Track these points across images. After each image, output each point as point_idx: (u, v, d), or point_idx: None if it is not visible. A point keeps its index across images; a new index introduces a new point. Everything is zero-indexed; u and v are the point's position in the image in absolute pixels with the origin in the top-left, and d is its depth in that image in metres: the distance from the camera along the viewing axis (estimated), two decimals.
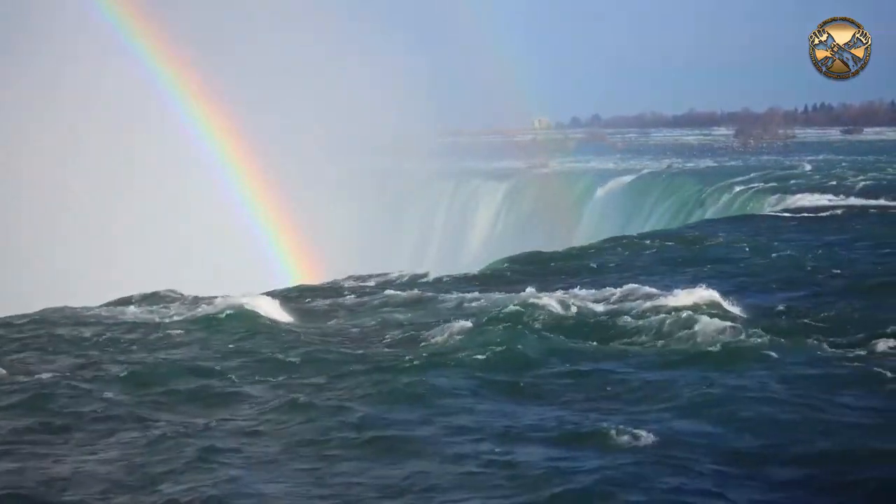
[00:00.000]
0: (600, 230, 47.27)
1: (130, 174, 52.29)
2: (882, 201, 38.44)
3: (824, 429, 11.59)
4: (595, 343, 16.20)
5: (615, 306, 18.31)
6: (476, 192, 65.05)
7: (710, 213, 46.52)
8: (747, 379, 13.65)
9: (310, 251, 49.10)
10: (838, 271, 22.74)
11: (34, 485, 10.48)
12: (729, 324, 16.37)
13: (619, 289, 19.53)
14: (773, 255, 25.51)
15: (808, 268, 23.36)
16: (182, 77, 54.23)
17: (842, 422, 11.85)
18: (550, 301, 18.31)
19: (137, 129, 53.39)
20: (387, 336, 17.54)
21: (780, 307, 18.72)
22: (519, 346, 15.73)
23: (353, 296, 22.00)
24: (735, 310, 17.68)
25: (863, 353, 15.02)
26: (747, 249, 26.70)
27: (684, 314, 17.03)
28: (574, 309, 18.14)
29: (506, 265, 26.87)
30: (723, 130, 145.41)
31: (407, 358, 15.20)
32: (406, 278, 23.92)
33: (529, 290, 19.37)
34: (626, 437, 11.28)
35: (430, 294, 21.35)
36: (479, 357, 15.16)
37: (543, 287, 20.35)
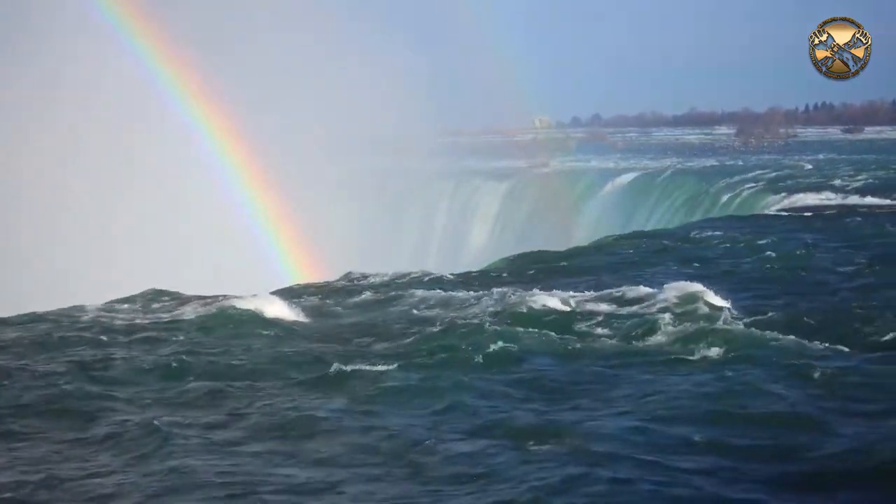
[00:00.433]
0: (601, 229, 47.29)
1: (130, 174, 52.29)
2: (883, 200, 38.43)
3: (828, 431, 11.56)
4: (595, 342, 16.19)
5: (616, 305, 18.30)
6: (476, 191, 65.09)
7: (710, 213, 46.52)
8: (748, 378, 13.63)
9: (310, 251, 49.09)
10: (839, 270, 22.75)
11: (32, 485, 10.47)
12: (729, 323, 16.35)
13: (619, 288, 19.52)
14: (774, 254, 25.49)
15: (809, 267, 23.35)
16: (182, 77, 54.23)
17: (847, 425, 11.82)
18: (551, 300, 18.31)
19: (137, 129, 53.40)
20: (388, 335, 17.53)
21: (781, 306, 18.70)
22: (520, 345, 15.74)
23: (353, 295, 21.99)
24: (736, 309, 17.66)
25: (863, 352, 15.00)
26: (748, 249, 26.68)
27: (685, 313, 17.04)
28: (574, 308, 18.14)
29: (506, 264, 26.89)
30: (724, 130, 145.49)
31: (408, 357, 15.20)
32: (406, 278, 23.90)
33: (530, 289, 19.37)
34: (626, 437, 11.27)
35: (430, 293, 21.33)
36: (480, 356, 15.17)
37: (544, 286, 20.35)
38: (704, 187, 53.31)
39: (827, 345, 15.39)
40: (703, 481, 10.07)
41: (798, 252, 25.51)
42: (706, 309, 17.35)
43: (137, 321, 19.09)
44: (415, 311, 19.70)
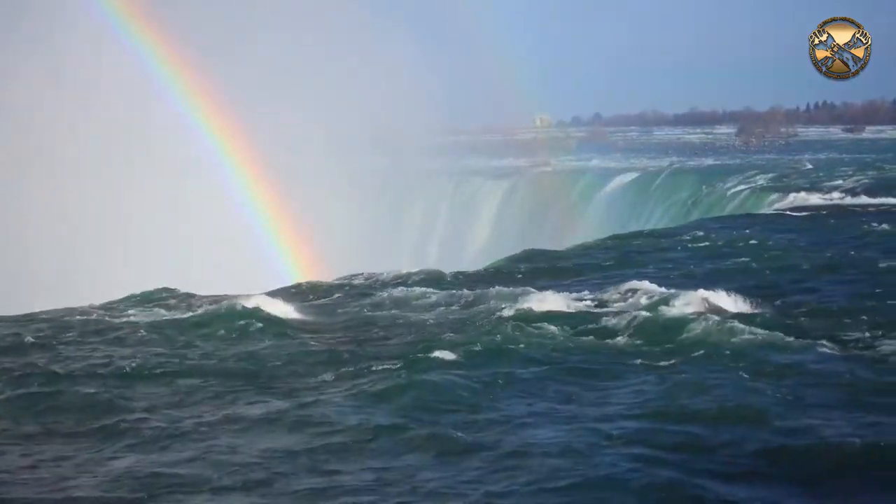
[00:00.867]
0: (602, 228, 47.27)
1: (130, 174, 52.26)
2: (883, 199, 38.41)
3: (825, 428, 11.58)
4: (596, 341, 16.20)
5: (616, 304, 18.33)
6: (477, 190, 65.06)
7: (711, 212, 46.48)
8: (748, 377, 13.66)
9: (311, 250, 49.08)
10: (839, 269, 22.75)
11: (30, 484, 10.48)
12: (730, 322, 16.36)
13: (620, 287, 19.54)
14: (774, 253, 25.49)
15: (810, 266, 23.34)
16: (182, 76, 54.21)
17: (843, 421, 11.84)
18: (552, 299, 18.33)
19: (137, 129, 53.35)
20: (389, 333, 17.55)
21: (782, 305, 18.72)
22: (520, 344, 15.77)
23: (354, 294, 22.00)
24: (736, 308, 17.67)
25: (864, 351, 15.01)
26: (748, 248, 26.68)
27: (685, 312, 17.07)
28: (575, 307, 18.16)
29: (507, 264, 26.89)
30: (724, 129, 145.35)
31: (409, 355, 15.22)
32: (407, 277, 23.90)
33: (531, 288, 19.38)
34: (626, 436, 11.28)
35: (432, 292, 21.34)
36: (481, 355, 15.19)
37: (545, 285, 20.37)
38: (705, 187, 53.27)
39: (830, 343, 15.40)
40: (700, 480, 10.09)
41: (798, 252, 25.51)
42: (706, 307, 17.36)
43: (139, 320, 19.10)
44: (415, 311, 19.72)
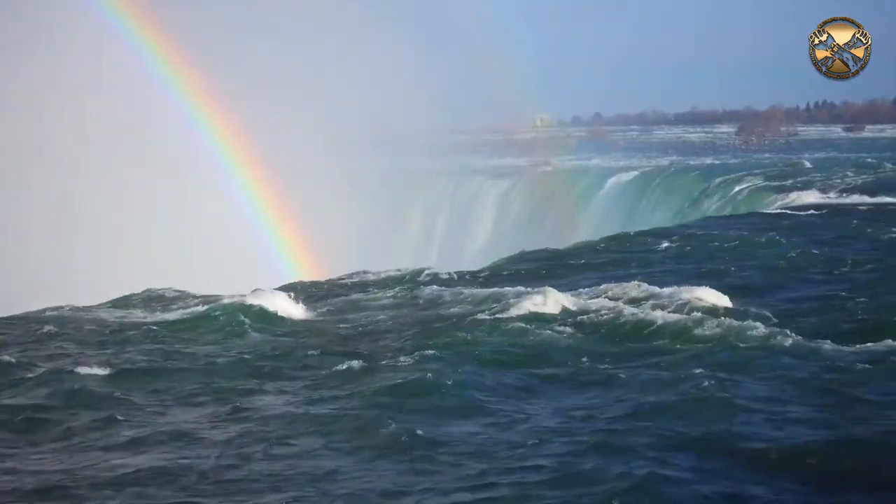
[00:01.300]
0: (602, 228, 47.28)
1: (130, 173, 52.30)
2: (883, 199, 38.41)
3: (824, 426, 11.61)
4: (596, 339, 16.23)
5: (616, 304, 18.32)
6: (478, 189, 65.08)
7: (711, 211, 46.52)
8: (748, 377, 13.69)
9: (312, 249, 49.11)
10: (840, 269, 22.77)
11: (29, 482, 10.51)
12: (730, 321, 16.38)
13: (620, 286, 19.54)
14: (775, 252, 25.51)
15: (810, 265, 23.37)
16: (183, 75, 54.24)
17: (841, 419, 11.87)
18: (552, 298, 18.33)
19: (138, 128, 53.38)
20: (388, 333, 17.57)
21: (782, 304, 18.74)
22: (521, 343, 15.81)
23: (355, 293, 22.03)
24: (736, 307, 17.68)
25: (863, 350, 15.02)
26: (748, 247, 26.69)
27: (685, 311, 17.08)
28: (575, 306, 18.16)
29: (508, 263, 26.91)
30: (725, 128, 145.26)
31: (411, 354, 15.25)
32: (408, 276, 23.93)
33: (531, 287, 19.39)
34: (625, 435, 11.31)
35: (433, 291, 21.37)
36: (481, 354, 15.22)
37: (545, 284, 20.35)
38: (705, 186, 53.27)
39: (830, 341, 15.42)
40: (701, 479, 10.12)
41: (798, 251, 25.50)
42: (707, 306, 17.38)
43: (139, 319, 19.14)
44: (416, 310, 19.75)
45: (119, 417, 12.71)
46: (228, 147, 53.61)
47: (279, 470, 10.75)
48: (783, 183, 48.69)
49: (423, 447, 11.24)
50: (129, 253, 48.42)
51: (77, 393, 13.74)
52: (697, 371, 13.94)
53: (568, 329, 16.81)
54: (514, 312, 17.66)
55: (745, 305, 17.93)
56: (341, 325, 18.61)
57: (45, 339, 17.52)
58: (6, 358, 15.71)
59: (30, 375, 14.66)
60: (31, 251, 48.87)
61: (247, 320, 18.46)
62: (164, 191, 51.92)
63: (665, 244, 28.12)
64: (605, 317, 17.47)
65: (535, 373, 14.43)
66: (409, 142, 66.61)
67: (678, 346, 15.57)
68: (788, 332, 15.89)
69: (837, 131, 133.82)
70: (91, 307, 20.61)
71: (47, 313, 19.96)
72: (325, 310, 20.27)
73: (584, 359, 15.05)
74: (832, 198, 40.40)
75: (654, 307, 17.60)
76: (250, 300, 19.37)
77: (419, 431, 11.72)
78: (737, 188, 50.06)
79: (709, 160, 76.37)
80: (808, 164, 63.14)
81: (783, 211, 37.56)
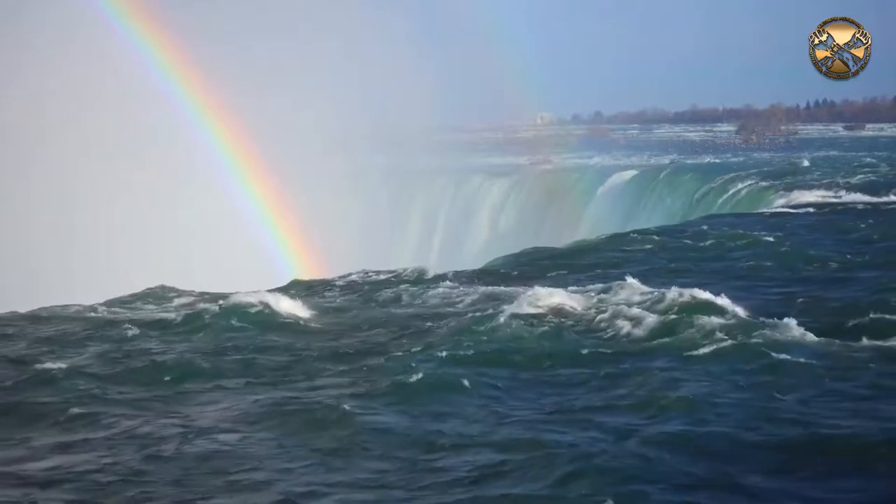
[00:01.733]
0: (602, 226, 47.33)
1: (131, 172, 52.36)
2: (883, 197, 38.44)
3: (825, 424, 11.63)
4: (596, 339, 16.24)
5: (616, 302, 18.33)
6: (479, 188, 65.15)
7: (711, 210, 46.54)
8: (748, 375, 13.71)
9: (313, 247, 49.17)
10: (840, 266, 22.80)
11: (26, 480, 10.55)
12: (729, 320, 16.39)
13: (620, 285, 19.54)
14: (775, 251, 25.54)
15: (810, 264, 23.40)
16: (185, 74, 54.27)
17: (841, 417, 11.89)
18: (553, 297, 18.34)
19: (139, 127, 53.44)
20: (388, 331, 17.58)
21: (782, 303, 18.74)
22: (520, 342, 15.80)
23: (354, 292, 22.05)
24: (736, 306, 17.66)
25: (863, 349, 15.05)
26: (749, 246, 26.73)
27: (685, 310, 17.08)
28: (575, 305, 18.17)
29: (508, 261, 26.92)
30: (725, 127, 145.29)
31: (409, 353, 15.27)
32: (408, 275, 23.96)
33: (531, 286, 19.40)
34: (624, 433, 11.33)
35: (433, 290, 21.40)
36: (482, 352, 15.23)
37: (546, 283, 20.39)
38: (705, 184, 53.30)
39: (830, 340, 15.45)
40: (706, 477, 10.15)
41: (798, 250, 25.55)
42: (706, 305, 17.39)
43: (140, 318, 19.14)
44: (416, 308, 19.77)
45: (114, 415, 12.73)
46: (229, 146, 53.67)
47: (278, 469, 10.78)
48: (783, 182, 48.71)
49: (422, 446, 11.27)
50: (129, 251, 48.48)
51: (74, 391, 13.76)
52: (697, 370, 13.98)
53: (567, 328, 16.82)
54: (513, 311, 17.65)
55: (745, 304, 17.91)
56: (340, 325, 18.61)
57: (44, 337, 17.54)
58: (10, 356, 15.76)
59: (27, 374, 14.68)
60: (31, 248, 48.92)
61: (246, 319, 18.46)
62: (164, 189, 51.99)
63: (665, 243, 28.14)
64: (605, 316, 17.46)
65: (534, 372, 14.44)
66: (409, 140, 66.67)
67: (678, 345, 15.57)
68: (788, 330, 15.90)
69: (838, 130, 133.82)
70: (90, 305, 20.61)
71: (47, 310, 19.97)
72: (324, 309, 20.27)
73: (584, 358, 15.06)
74: (832, 197, 40.43)
75: (653, 306, 17.61)
76: (249, 299, 19.37)
77: (419, 431, 11.76)
78: (737, 187, 50.09)
79: (709, 159, 76.38)
80: (808, 163, 63.17)
81: (783, 210, 37.59)
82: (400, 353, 15.39)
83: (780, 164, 63.31)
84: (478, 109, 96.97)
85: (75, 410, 12.95)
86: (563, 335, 16.40)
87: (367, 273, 24.51)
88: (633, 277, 20.26)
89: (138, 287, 22.59)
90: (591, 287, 19.94)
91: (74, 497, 10.15)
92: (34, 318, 19.38)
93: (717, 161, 72.63)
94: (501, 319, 17.14)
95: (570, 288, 19.79)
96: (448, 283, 22.45)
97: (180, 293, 21.74)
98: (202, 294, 21.33)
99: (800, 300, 19.15)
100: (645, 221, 47.45)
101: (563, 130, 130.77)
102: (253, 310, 18.88)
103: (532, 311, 17.72)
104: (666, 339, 15.99)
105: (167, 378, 14.54)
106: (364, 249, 45.54)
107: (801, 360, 14.38)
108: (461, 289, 21.22)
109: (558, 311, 17.75)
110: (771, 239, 27.66)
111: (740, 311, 17.18)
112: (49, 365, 15.12)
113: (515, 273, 24.14)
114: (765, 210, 39.33)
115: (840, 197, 40.17)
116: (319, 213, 51.29)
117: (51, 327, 18.32)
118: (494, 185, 64.94)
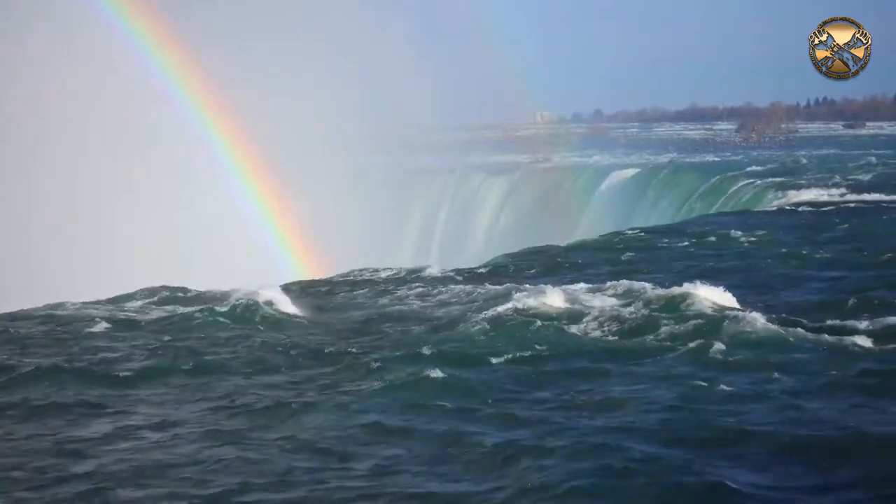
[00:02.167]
0: (602, 225, 47.32)
1: (130, 170, 52.37)
2: (883, 196, 38.44)
3: (829, 420, 11.66)
4: (595, 337, 16.27)
5: (616, 301, 18.36)
6: (479, 186, 65.14)
7: (711, 208, 46.54)
8: (747, 374, 13.74)
9: (314, 246, 49.20)
10: (840, 265, 22.82)
11: (28, 477, 10.58)
12: (729, 319, 16.41)
13: (620, 283, 19.56)
14: (775, 249, 25.57)
15: (810, 263, 23.43)
16: (186, 74, 54.29)
17: (841, 415, 11.92)
18: (552, 295, 18.35)
19: (141, 125, 53.44)
20: (389, 330, 17.61)
21: (782, 302, 18.79)
22: (520, 341, 15.83)
23: (356, 291, 22.07)
24: (737, 304, 17.70)
25: (864, 347, 15.07)
26: (749, 244, 26.76)
27: (685, 309, 17.11)
28: (575, 303, 18.19)
29: (508, 259, 26.94)
30: (725, 125, 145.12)
31: (409, 352, 15.30)
32: (409, 273, 23.99)
33: (531, 284, 19.43)
34: (624, 432, 11.36)
35: (433, 289, 21.42)
36: (482, 351, 15.27)
37: (546, 281, 20.41)
38: (705, 183, 53.25)
39: (830, 339, 15.47)
40: (707, 475, 10.18)
41: (799, 248, 25.57)
42: (706, 304, 17.42)
43: (140, 316, 19.16)
44: (416, 307, 19.79)
45: (115, 413, 12.77)
46: (229, 146, 53.68)
47: (275, 468, 10.81)
48: (783, 180, 48.69)
49: (422, 446, 11.30)
50: (129, 251, 48.48)
51: (74, 390, 13.80)
52: (697, 369, 14.02)
53: (567, 326, 16.84)
54: (513, 310, 17.68)
55: (745, 302, 17.95)
56: (341, 323, 18.64)
57: (45, 335, 17.56)
58: (12, 355, 15.78)
59: (28, 372, 14.70)
60: (32, 246, 48.93)
61: (246, 317, 18.49)
62: (164, 189, 52.00)
63: (665, 242, 28.17)
64: (605, 314, 17.49)
65: (534, 370, 14.48)
66: (410, 139, 66.66)
67: (677, 344, 15.59)
68: (789, 328, 15.94)
69: (838, 128, 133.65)
70: (91, 303, 20.62)
71: (48, 309, 19.98)
72: (324, 307, 20.30)
73: (583, 356, 15.09)
74: (832, 195, 40.41)
75: (653, 305, 17.64)
76: (249, 297, 19.38)
77: (419, 430, 11.79)
78: (737, 185, 50.05)
79: (709, 157, 76.29)
80: (807, 162, 63.12)
81: (783, 208, 37.61)
82: (398, 352, 15.41)
83: (780, 163, 63.26)
84: (478, 108, 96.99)
85: (75, 407, 13.00)
86: (562, 333, 16.42)
87: (367, 271, 24.54)
88: (633, 276, 20.30)
89: (138, 285, 22.58)
90: (591, 285, 19.94)
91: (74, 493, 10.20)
92: (34, 316, 19.38)
93: (717, 159, 72.54)
94: (500, 318, 17.16)
95: (569, 286, 19.80)
96: (448, 281, 22.47)
97: (179, 292, 21.74)
98: (204, 292, 21.33)
99: (801, 298, 19.19)
100: (645, 220, 47.45)
101: (563, 129, 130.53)
102: (252, 308, 18.89)
103: (531, 309, 17.74)
104: (665, 338, 16.01)
105: (166, 375, 14.58)
106: (364, 248, 45.57)
107: (802, 359, 14.42)
108: (461, 287, 21.23)
109: (558, 310, 17.77)
110: (771, 238, 27.68)
111: (741, 310, 17.20)
112: (36, 363, 15.14)
113: (515, 271, 24.17)
114: (765, 208, 39.34)
115: (840, 195, 40.16)
116: (319, 213, 51.32)
117: (47, 326, 18.33)
118: (494, 183, 64.93)
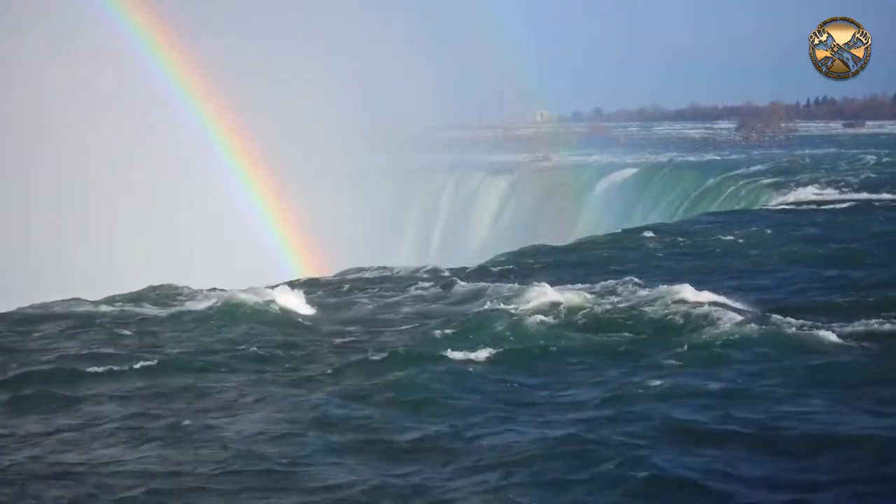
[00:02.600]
0: (602, 224, 47.35)
1: (130, 169, 52.38)
2: (883, 195, 38.46)
3: (828, 420, 11.68)
4: (596, 337, 16.27)
5: (617, 300, 18.38)
6: (478, 185, 65.14)
7: (711, 207, 46.57)
8: (747, 374, 13.76)
9: (314, 245, 49.19)
10: (840, 264, 22.82)
11: (29, 477, 10.60)
12: (728, 318, 16.41)
13: (620, 282, 19.59)
14: (775, 248, 25.58)
15: (810, 262, 23.43)
16: (186, 74, 54.29)
17: (840, 414, 11.94)
18: (552, 294, 18.37)
19: (142, 124, 53.46)
20: (389, 329, 17.62)
21: (782, 301, 18.78)
22: (519, 339, 15.85)
23: (355, 290, 22.07)
24: (736, 304, 17.71)
25: (863, 346, 15.09)
26: (749, 243, 26.77)
27: (685, 308, 17.11)
28: (575, 302, 18.20)
29: (508, 259, 26.93)
30: (725, 124, 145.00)
31: (409, 351, 15.31)
32: (408, 272, 23.99)
33: (531, 283, 19.43)
34: (623, 431, 11.38)
35: (432, 287, 21.42)
36: (482, 350, 15.27)
37: (545, 280, 20.40)
38: (705, 182, 53.28)
39: (830, 339, 15.48)
40: (709, 474, 10.20)
41: (798, 247, 25.59)
42: (707, 304, 17.41)
43: (142, 315, 19.16)
44: (416, 306, 19.80)
45: (115, 412, 12.78)
46: (229, 145, 53.68)
47: (276, 468, 10.82)
48: (783, 179, 48.72)
49: (417, 445, 11.31)
50: (129, 251, 48.47)
51: (75, 389, 13.81)
52: (697, 368, 14.04)
53: (566, 326, 16.85)
54: (512, 309, 17.70)
55: (745, 301, 17.96)
56: (340, 322, 18.64)
57: (46, 333, 17.57)
58: (13, 354, 15.81)
59: (28, 371, 14.72)
60: (34, 245, 48.92)
61: (246, 316, 18.49)
62: (164, 189, 52.00)
63: (665, 241, 28.18)
64: (605, 314, 17.51)
65: (533, 369, 14.50)
66: (410, 137, 66.66)
67: (677, 343, 15.60)
68: (788, 328, 15.95)
69: (838, 127, 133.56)
70: (94, 302, 20.62)
71: (49, 307, 19.98)
72: (324, 306, 20.29)
73: (583, 356, 15.11)
74: (831, 194, 40.46)
75: (652, 304, 17.63)
76: (249, 296, 19.39)
77: (415, 429, 11.80)
78: (736, 185, 50.08)
79: (709, 156, 76.28)
80: (807, 160, 63.12)
81: (783, 207, 37.62)
82: (398, 351, 15.41)
83: (779, 162, 63.26)
84: (477, 107, 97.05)
85: (77, 406, 13.01)
86: (561, 332, 16.44)
87: (367, 270, 24.54)
88: (634, 275, 20.30)
89: (138, 284, 22.57)
90: (591, 284, 19.96)
91: (75, 491, 10.22)
92: (34, 315, 19.38)
93: (717, 158, 72.53)
94: (501, 316, 17.17)
95: (569, 285, 19.82)
96: (447, 280, 22.47)
97: (181, 291, 21.73)
98: (204, 291, 21.31)
99: (800, 297, 19.20)
100: (645, 219, 47.49)
101: (563, 128, 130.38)
102: (254, 307, 18.91)
103: (531, 307, 17.76)
104: (665, 337, 16.02)
105: (166, 374, 14.59)
106: (364, 248, 45.55)
107: (802, 357, 14.44)
108: (460, 286, 21.23)
109: (557, 308, 17.78)
110: (771, 237, 27.69)
111: (741, 309, 17.21)
112: (36, 362, 15.16)
113: (514, 270, 24.16)
114: (765, 207, 39.35)
115: (840, 194, 40.21)
116: (319, 213, 51.30)
117: (48, 324, 18.34)
118: (494, 183, 64.92)
